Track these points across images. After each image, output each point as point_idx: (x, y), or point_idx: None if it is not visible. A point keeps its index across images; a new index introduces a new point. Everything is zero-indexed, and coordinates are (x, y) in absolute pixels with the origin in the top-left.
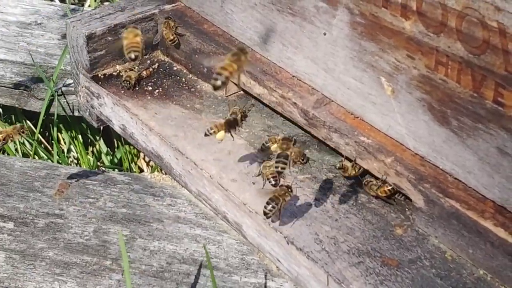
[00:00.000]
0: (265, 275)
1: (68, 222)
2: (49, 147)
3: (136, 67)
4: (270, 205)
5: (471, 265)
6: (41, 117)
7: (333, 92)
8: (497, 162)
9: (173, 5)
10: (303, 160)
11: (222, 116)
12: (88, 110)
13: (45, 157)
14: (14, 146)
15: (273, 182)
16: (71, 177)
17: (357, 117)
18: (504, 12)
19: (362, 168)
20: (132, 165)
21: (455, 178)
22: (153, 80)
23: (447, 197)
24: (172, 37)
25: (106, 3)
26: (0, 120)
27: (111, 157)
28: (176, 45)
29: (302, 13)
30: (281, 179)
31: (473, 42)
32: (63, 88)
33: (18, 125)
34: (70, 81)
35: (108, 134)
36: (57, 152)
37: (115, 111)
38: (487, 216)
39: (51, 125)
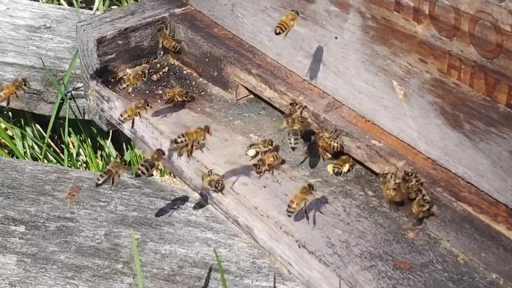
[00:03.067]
0: (275, 278)
1: (79, 225)
2: (58, 150)
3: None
4: None
5: (483, 269)
6: (52, 120)
7: (344, 96)
8: (510, 166)
9: (183, 8)
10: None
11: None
12: (98, 114)
13: (54, 160)
14: (23, 149)
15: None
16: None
17: (369, 121)
18: None
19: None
20: None
21: (468, 182)
22: (163, 84)
23: (459, 201)
24: (174, 44)
25: (115, 7)
26: (9, 124)
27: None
28: (179, 49)
29: (314, 17)
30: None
31: (486, 46)
32: (73, 92)
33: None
34: (80, 84)
35: (117, 137)
36: (68, 155)
37: None
38: (500, 220)
39: (61, 128)
